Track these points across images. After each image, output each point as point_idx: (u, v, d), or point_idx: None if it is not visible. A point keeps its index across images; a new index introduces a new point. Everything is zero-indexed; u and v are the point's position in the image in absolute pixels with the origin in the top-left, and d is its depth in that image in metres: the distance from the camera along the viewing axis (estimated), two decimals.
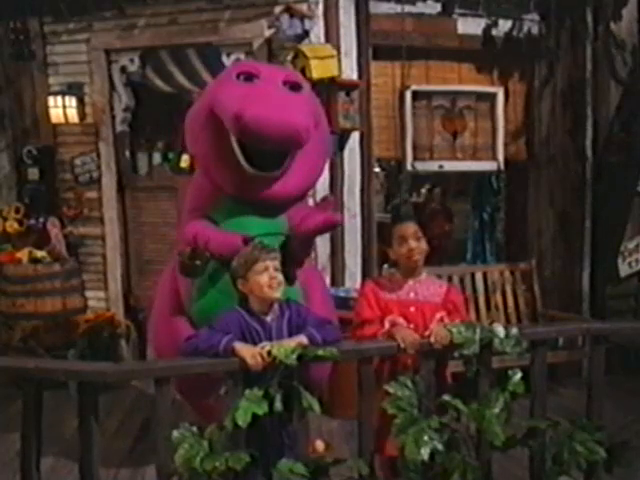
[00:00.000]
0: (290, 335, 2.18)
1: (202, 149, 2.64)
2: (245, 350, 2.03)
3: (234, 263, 2.27)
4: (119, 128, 4.63)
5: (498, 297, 4.40)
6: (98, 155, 4.62)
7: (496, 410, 2.09)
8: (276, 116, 2.36)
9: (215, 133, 2.53)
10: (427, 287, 2.45)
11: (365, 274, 4.16)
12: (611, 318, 4.33)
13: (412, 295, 2.43)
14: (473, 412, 2.09)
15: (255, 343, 2.11)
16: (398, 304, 2.41)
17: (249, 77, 2.55)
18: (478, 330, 2.17)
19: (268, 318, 2.22)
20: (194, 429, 2.01)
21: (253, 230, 2.49)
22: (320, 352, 2.05)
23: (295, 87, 2.59)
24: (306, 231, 2.54)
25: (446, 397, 2.13)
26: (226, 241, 2.42)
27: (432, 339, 2.19)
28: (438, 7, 4.25)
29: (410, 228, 2.42)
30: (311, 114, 2.54)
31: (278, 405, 1.99)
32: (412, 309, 2.40)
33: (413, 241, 2.39)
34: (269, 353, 2.01)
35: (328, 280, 4.09)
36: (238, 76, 2.56)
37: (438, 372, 2.25)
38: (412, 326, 2.33)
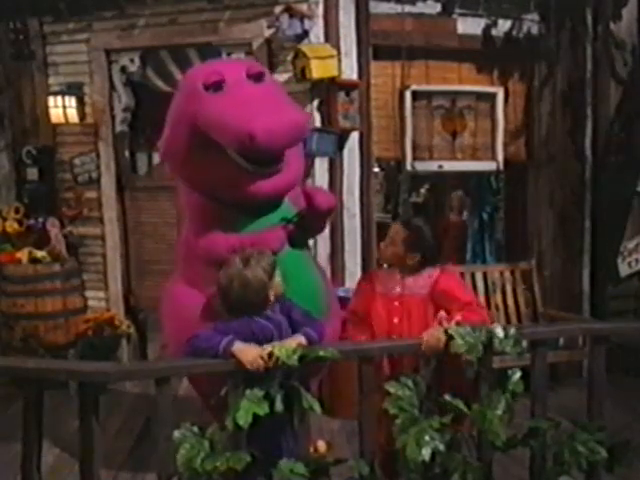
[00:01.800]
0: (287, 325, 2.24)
1: (197, 170, 2.55)
2: (245, 353, 2.03)
3: (255, 276, 2.19)
4: (119, 128, 4.62)
5: (498, 297, 4.39)
6: (98, 155, 4.60)
7: (498, 411, 2.09)
8: (283, 123, 2.34)
9: (206, 150, 2.45)
10: (416, 280, 2.44)
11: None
12: (611, 318, 4.33)
13: (398, 289, 2.45)
14: (474, 413, 2.09)
15: (267, 340, 2.11)
16: (383, 298, 2.45)
17: (218, 86, 2.47)
18: (478, 333, 2.17)
19: (269, 312, 2.25)
20: (195, 429, 2.02)
21: (276, 220, 2.52)
22: (321, 352, 2.05)
23: (259, 77, 2.55)
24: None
25: (447, 397, 2.13)
26: (272, 236, 2.44)
27: (422, 346, 2.16)
28: (438, 7, 4.24)
29: (392, 229, 2.48)
30: (292, 101, 2.57)
31: (279, 405, 1.99)
32: (396, 304, 2.42)
33: (386, 241, 2.46)
34: (270, 355, 2.01)
35: None
36: (207, 89, 2.47)
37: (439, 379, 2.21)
38: (396, 320, 2.37)
